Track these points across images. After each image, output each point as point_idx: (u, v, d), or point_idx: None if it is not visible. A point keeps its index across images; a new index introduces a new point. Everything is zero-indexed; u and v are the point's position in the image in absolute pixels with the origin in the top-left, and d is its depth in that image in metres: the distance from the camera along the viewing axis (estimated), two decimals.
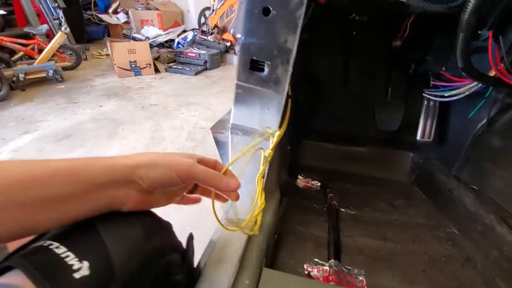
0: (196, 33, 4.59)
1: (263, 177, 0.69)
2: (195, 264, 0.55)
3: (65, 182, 0.29)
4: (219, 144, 0.82)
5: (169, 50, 4.34)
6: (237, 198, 0.47)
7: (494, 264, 0.74)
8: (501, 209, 0.77)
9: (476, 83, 0.77)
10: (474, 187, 0.87)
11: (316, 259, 0.76)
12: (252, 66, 0.64)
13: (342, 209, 0.95)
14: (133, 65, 3.59)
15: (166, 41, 4.54)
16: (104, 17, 5.23)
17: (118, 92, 3.14)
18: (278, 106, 0.66)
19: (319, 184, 1.06)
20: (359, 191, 1.04)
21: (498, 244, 0.74)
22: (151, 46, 4.02)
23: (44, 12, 3.76)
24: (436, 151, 1.02)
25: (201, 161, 0.41)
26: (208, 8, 4.85)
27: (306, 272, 0.73)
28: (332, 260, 0.75)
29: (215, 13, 4.66)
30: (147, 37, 4.48)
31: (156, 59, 4.11)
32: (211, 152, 2.03)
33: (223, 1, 4.55)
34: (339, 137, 1.15)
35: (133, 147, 2.07)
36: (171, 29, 4.76)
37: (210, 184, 0.40)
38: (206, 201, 0.50)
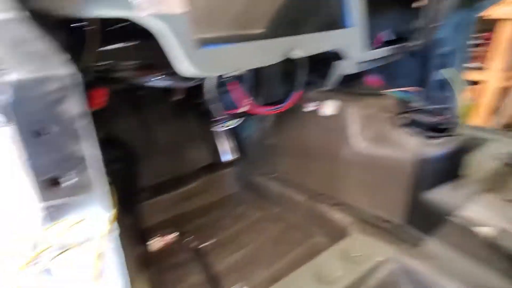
0: None
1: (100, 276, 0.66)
2: None
3: None
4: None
5: None
6: None
7: (304, 218, 1.11)
8: (292, 182, 1.17)
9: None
10: (273, 175, 1.24)
11: None
12: (54, 183, 0.60)
13: (202, 245, 1.06)
14: None
15: None
16: None
17: None
18: (103, 204, 0.66)
19: (178, 233, 1.12)
20: (207, 221, 1.20)
21: (299, 205, 1.12)
22: None
23: None
24: (245, 161, 1.35)
25: None
26: None
27: None
28: None
29: None
30: None
31: None
32: None
33: None
34: (170, 185, 1.25)
35: None
36: None
37: None
38: None
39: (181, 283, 0.92)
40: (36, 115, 0.53)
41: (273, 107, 0.99)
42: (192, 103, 1.25)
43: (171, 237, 1.11)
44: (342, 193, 1.03)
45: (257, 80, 1.02)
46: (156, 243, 1.09)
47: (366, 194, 0.94)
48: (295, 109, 1.07)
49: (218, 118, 1.16)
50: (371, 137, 0.89)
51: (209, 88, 0.89)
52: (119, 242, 0.71)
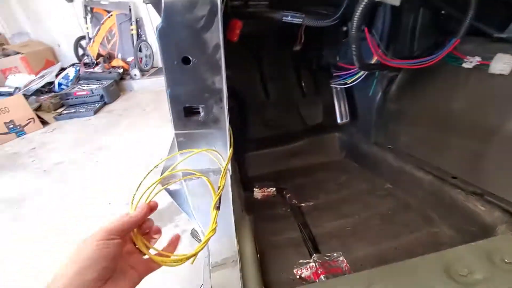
0: (78, 67, 4.06)
1: (217, 207, 0.69)
2: None
3: None
4: (173, 194, 0.78)
5: (51, 95, 3.72)
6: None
7: (423, 201, 0.94)
8: (414, 158, 0.98)
9: None
10: (390, 147, 1.06)
11: (301, 260, 0.82)
12: (187, 113, 0.63)
13: (302, 204, 1.03)
14: (11, 126, 2.96)
15: (43, 86, 3.87)
16: None
17: (2, 163, 2.55)
18: (224, 141, 0.68)
19: (275, 189, 1.12)
20: (309, 182, 1.15)
21: (420, 185, 0.94)
22: (26, 96, 3.37)
23: None
24: (355, 127, 1.21)
25: (108, 228, 0.39)
26: (83, 37, 4.33)
27: (297, 277, 0.78)
28: (314, 255, 0.82)
29: (94, 40, 4.20)
30: (17, 87, 3.73)
31: (38, 109, 3.48)
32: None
33: (98, 26, 4.14)
34: (276, 140, 1.24)
35: (55, 228, 1.74)
36: (45, 71, 4.08)
37: (133, 225, 0.41)
38: None
39: (278, 236, 0.92)
40: (185, 42, 0.54)
41: (414, 61, 0.79)
42: (311, 57, 1.16)
43: (270, 190, 1.13)
44: (489, 180, 0.79)
45: (394, 28, 0.84)
46: (256, 193, 1.12)
47: None
48: (439, 66, 0.84)
49: (338, 73, 1.04)
50: None
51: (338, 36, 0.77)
52: (229, 181, 0.73)
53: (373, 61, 0.81)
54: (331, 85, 1.07)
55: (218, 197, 0.70)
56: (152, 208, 0.45)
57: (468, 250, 0.65)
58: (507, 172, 0.75)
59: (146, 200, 0.46)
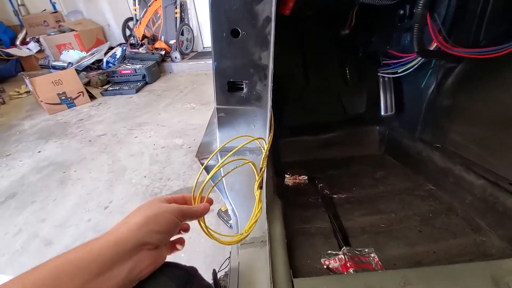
0: (124, 47, 4.27)
1: (260, 187, 0.70)
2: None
3: (71, 276, 0.27)
4: (208, 169, 0.79)
5: (99, 72, 3.98)
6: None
7: (470, 207, 0.86)
8: (465, 159, 0.89)
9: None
10: (438, 145, 0.98)
11: (329, 251, 0.80)
12: (230, 88, 0.62)
13: (335, 196, 1.00)
14: (63, 97, 3.22)
15: (93, 63, 4.15)
16: (12, 50, 4.55)
17: (54, 131, 2.80)
18: (264, 121, 0.66)
19: (306, 177, 1.10)
20: (343, 174, 1.11)
21: (469, 189, 0.86)
22: (77, 71, 3.64)
23: None
24: (399, 121, 1.13)
25: (171, 200, 0.43)
26: (131, 19, 4.53)
27: (325, 267, 0.76)
28: (344, 247, 0.79)
29: (140, 22, 4.38)
30: (70, 62, 4.03)
31: (87, 84, 3.74)
32: (180, 170, 1.95)
33: (145, 9, 4.30)
34: (312, 129, 1.20)
35: (93, 188, 1.88)
36: (95, 49, 4.35)
37: (194, 217, 0.44)
38: None
39: (307, 224, 0.90)
40: (235, 13, 0.53)
41: (480, 50, 0.71)
42: (358, 43, 1.09)
43: (301, 178, 1.11)
44: None
45: (459, 12, 0.75)
46: (288, 180, 1.11)
47: None
48: (508, 59, 0.74)
49: (388, 61, 0.97)
50: None
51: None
52: (265, 163, 0.72)
53: (432, 47, 0.73)
54: (379, 74, 1.00)
55: (261, 177, 0.70)
56: (210, 204, 0.49)
57: None
58: None
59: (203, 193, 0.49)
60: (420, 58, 0.86)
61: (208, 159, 0.71)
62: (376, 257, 0.77)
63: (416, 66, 0.89)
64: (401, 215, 0.89)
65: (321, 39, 1.14)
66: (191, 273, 0.40)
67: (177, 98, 3.23)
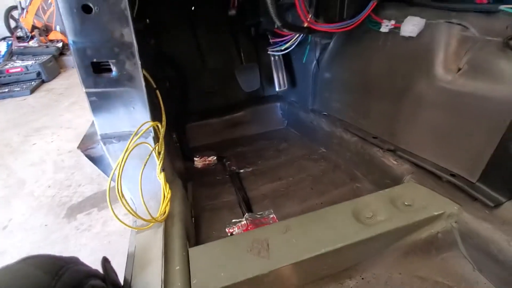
0: (10, 42, 3.58)
1: (163, 170, 0.69)
2: (122, 279, 0.54)
3: None
4: (95, 159, 0.74)
5: None
6: None
7: (350, 161, 1.01)
8: (343, 122, 1.04)
9: (298, 34, 0.95)
10: (325, 113, 1.12)
11: (233, 220, 0.85)
12: (96, 69, 0.59)
13: (241, 170, 1.06)
14: None
15: None
16: None
17: None
18: (143, 102, 0.65)
19: (215, 157, 1.13)
20: (250, 150, 1.18)
21: (347, 146, 1.01)
22: None
23: None
24: (295, 95, 1.25)
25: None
26: (15, 7, 3.80)
27: (229, 234, 0.81)
28: (246, 213, 0.85)
29: (27, 11, 3.71)
30: None
31: None
32: (93, 173, 1.78)
33: None
34: (217, 111, 1.23)
35: None
36: None
37: None
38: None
39: (215, 200, 0.94)
40: None
41: (337, 24, 0.82)
42: (249, 24, 1.14)
43: (210, 159, 1.13)
44: (401, 137, 0.87)
45: None
46: (197, 163, 1.12)
47: (434, 141, 0.78)
48: (364, 32, 0.88)
49: (275, 40, 1.04)
50: (464, 68, 0.68)
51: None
52: (163, 146, 0.72)
53: (305, 25, 0.81)
54: (268, 52, 1.08)
55: (162, 161, 0.69)
56: None
57: (376, 198, 0.72)
58: (415, 128, 0.83)
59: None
60: (298, 35, 0.95)
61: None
62: (274, 216, 0.86)
63: (296, 43, 0.98)
64: (298, 178, 1.00)
65: (213, 21, 1.16)
66: (68, 260, 0.39)
67: (83, 96, 2.89)
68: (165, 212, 0.68)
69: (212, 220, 0.86)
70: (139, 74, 0.61)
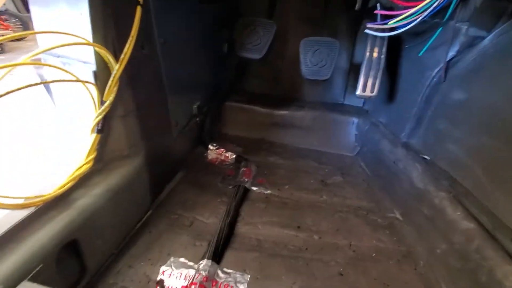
0: None
1: (99, 130, 0.45)
2: None
3: None
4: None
5: None
6: None
7: (439, 262, 0.52)
8: (456, 184, 0.54)
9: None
10: (425, 156, 0.63)
11: (182, 259, 0.51)
12: None
13: (254, 188, 0.70)
14: None
15: None
16: None
17: None
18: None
19: (234, 156, 0.81)
20: (286, 166, 0.80)
21: (447, 233, 0.51)
22: None
23: None
24: (385, 114, 0.79)
25: None
26: None
27: (158, 279, 0.47)
28: (206, 261, 0.50)
29: None
30: None
31: None
32: None
33: None
34: (269, 99, 0.90)
35: None
36: None
37: None
38: None
39: (189, 212, 0.62)
40: None
41: None
42: None
43: (228, 155, 0.81)
44: None
45: None
46: (210, 152, 0.82)
47: None
48: None
49: (383, 12, 0.63)
50: None
51: None
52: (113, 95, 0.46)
53: None
54: (366, 30, 0.65)
55: (103, 114, 0.46)
56: None
57: None
58: None
59: None
60: (429, 8, 0.51)
61: None
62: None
63: (416, 21, 0.54)
64: (328, 242, 0.58)
65: None
66: None
67: None
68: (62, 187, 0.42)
69: (159, 240, 0.54)
70: None
